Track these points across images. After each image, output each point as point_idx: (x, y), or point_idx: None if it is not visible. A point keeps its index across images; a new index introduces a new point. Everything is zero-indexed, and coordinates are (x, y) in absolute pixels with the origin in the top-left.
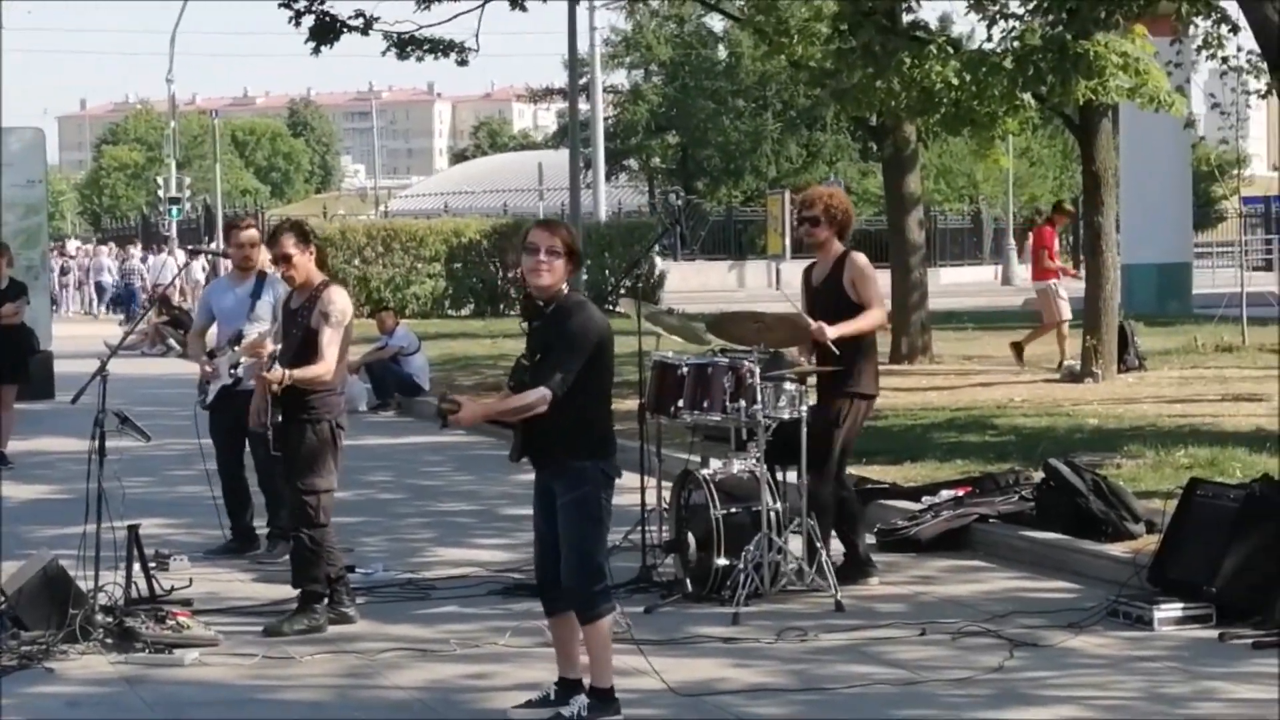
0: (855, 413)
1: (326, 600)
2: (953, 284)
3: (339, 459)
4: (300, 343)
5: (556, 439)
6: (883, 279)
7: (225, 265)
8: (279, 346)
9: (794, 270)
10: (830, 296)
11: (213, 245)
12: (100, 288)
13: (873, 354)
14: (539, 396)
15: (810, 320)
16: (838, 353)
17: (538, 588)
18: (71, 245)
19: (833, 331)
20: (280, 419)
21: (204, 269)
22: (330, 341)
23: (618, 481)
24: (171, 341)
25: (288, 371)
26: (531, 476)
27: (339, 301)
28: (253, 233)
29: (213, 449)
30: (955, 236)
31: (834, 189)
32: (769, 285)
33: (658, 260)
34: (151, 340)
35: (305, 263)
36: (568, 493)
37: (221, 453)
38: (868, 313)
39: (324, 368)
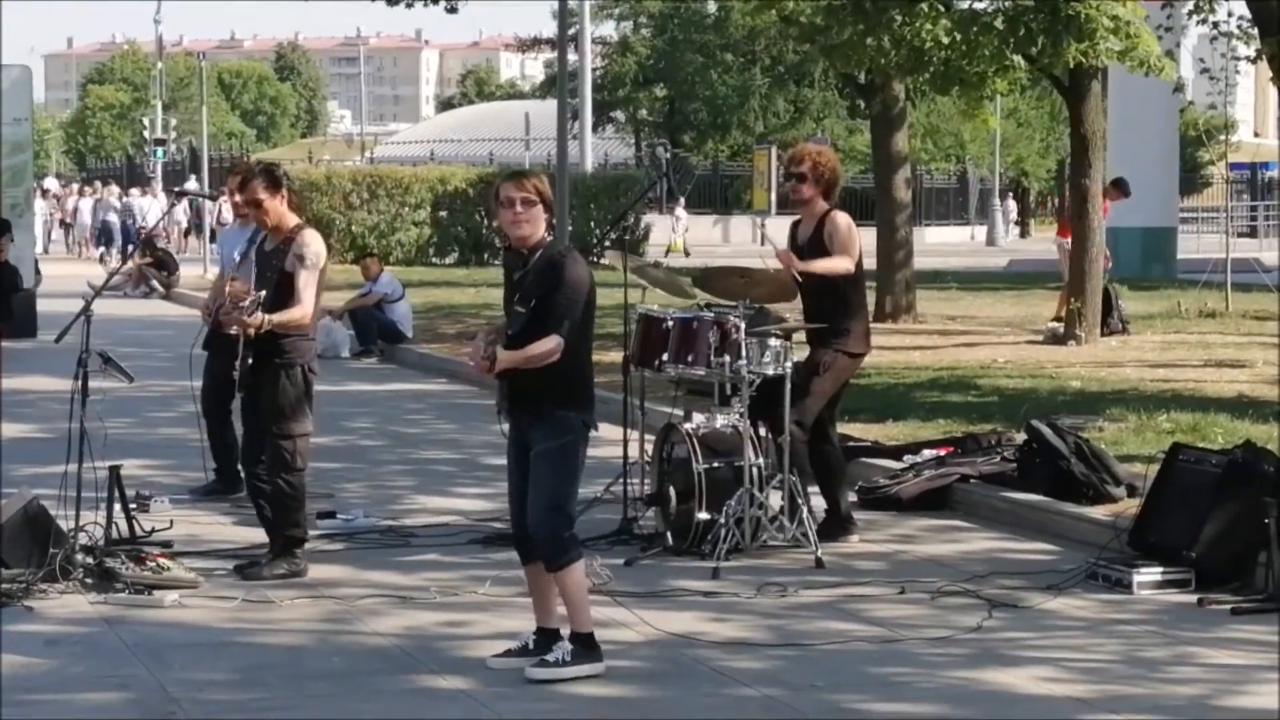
0: (837, 367)
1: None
2: (938, 243)
3: (312, 403)
4: (275, 286)
5: (544, 387)
6: (868, 237)
7: (211, 208)
8: (262, 292)
9: (778, 226)
10: (815, 252)
11: (190, 185)
12: (107, 229)
13: (862, 314)
14: (556, 344)
15: (778, 246)
16: (800, 280)
17: (514, 539)
18: (51, 183)
19: (800, 264)
20: (250, 361)
21: (185, 212)
22: (306, 284)
23: (600, 434)
24: (155, 283)
25: (266, 316)
26: None
27: (313, 244)
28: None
29: (199, 391)
30: (941, 196)
31: (823, 147)
32: (754, 240)
33: (677, 212)
34: (135, 281)
35: (276, 207)
36: (548, 440)
37: (210, 394)
38: (837, 258)
39: (302, 311)
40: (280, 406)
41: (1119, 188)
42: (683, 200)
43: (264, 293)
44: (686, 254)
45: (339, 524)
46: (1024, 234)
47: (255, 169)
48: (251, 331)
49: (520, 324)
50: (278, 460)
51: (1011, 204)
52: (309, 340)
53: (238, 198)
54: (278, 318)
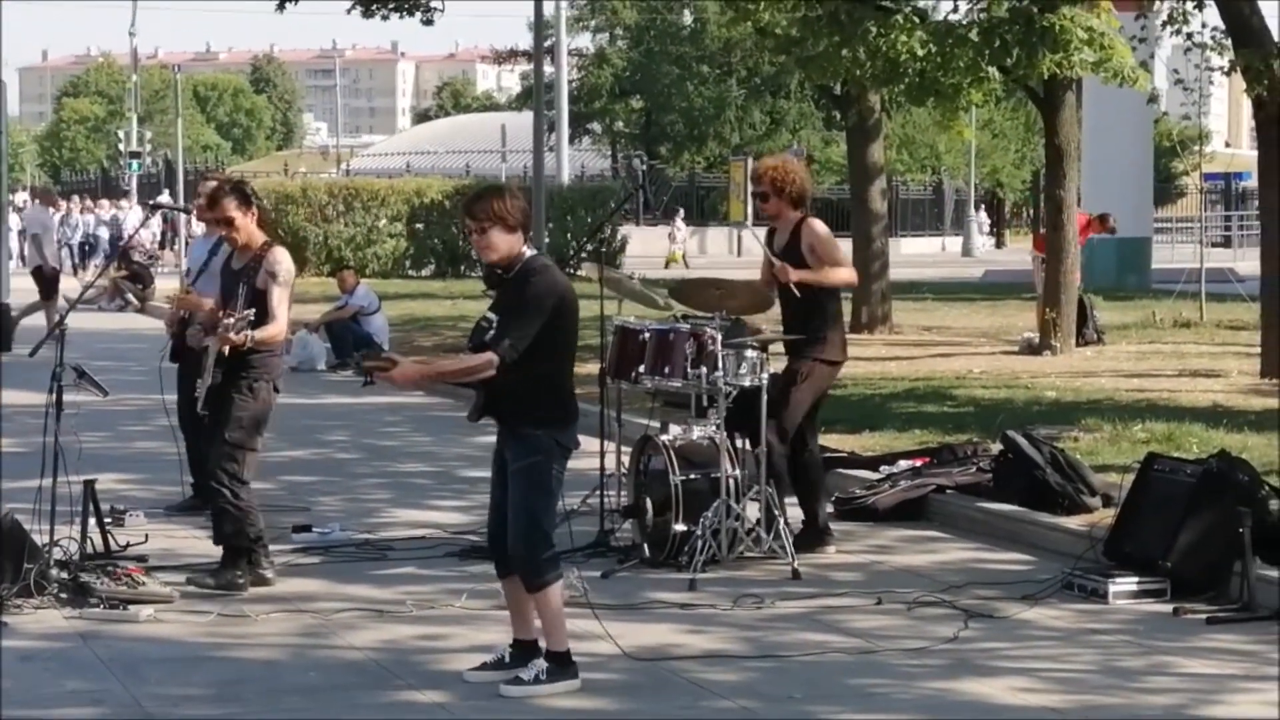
0: (816, 375)
1: (247, 562)
2: (913, 254)
3: (266, 423)
4: (247, 304)
5: (511, 404)
6: (843, 248)
7: (185, 221)
8: (251, 311)
9: (755, 237)
10: (791, 264)
11: (164, 198)
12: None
13: (838, 322)
14: (484, 360)
15: (776, 259)
16: (799, 294)
17: (490, 551)
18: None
19: (795, 274)
20: (219, 381)
21: (157, 225)
22: (280, 301)
23: (573, 451)
24: (130, 296)
25: (250, 333)
26: (491, 438)
27: (285, 261)
28: (209, 184)
29: (173, 405)
30: (916, 207)
31: (783, 159)
32: (730, 252)
33: (677, 223)
34: (110, 295)
35: (247, 224)
36: (517, 460)
37: (186, 408)
38: (838, 269)
39: (278, 328)
40: (240, 418)
41: (1104, 223)
42: (681, 211)
43: (253, 311)
44: (686, 265)
45: (315, 537)
46: (999, 244)
47: (225, 186)
48: (227, 350)
49: (484, 337)
50: (227, 471)
51: (984, 215)
52: (277, 357)
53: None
54: (259, 334)
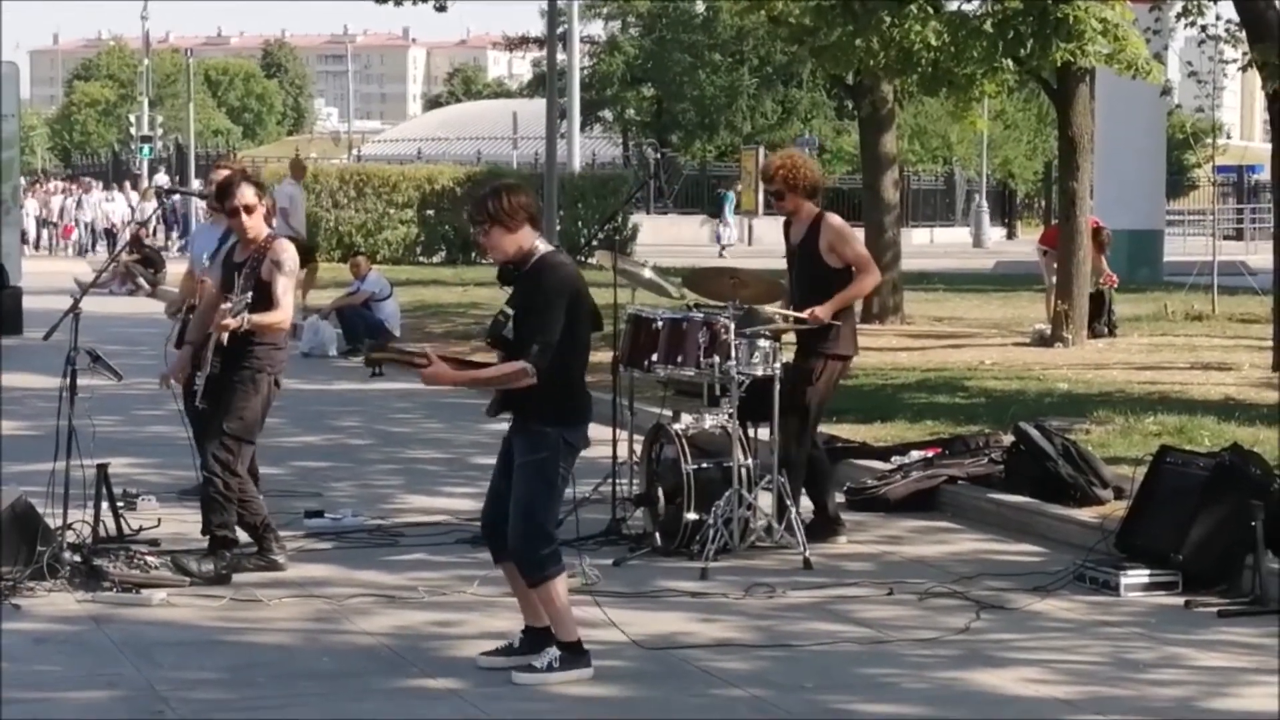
0: (830, 372)
1: (256, 548)
2: (925, 245)
3: (265, 417)
4: (252, 293)
5: (523, 398)
6: (859, 237)
7: (197, 207)
8: (249, 294)
9: (766, 226)
10: (808, 258)
11: (160, 179)
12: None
13: (850, 315)
14: (518, 370)
15: (799, 314)
16: (812, 285)
17: (483, 536)
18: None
19: (826, 312)
20: (217, 370)
21: (155, 210)
22: (285, 290)
23: (589, 435)
24: (141, 280)
25: (247, 316)
26: (503, 426)
27: (290, 252)
28: (223, 173)
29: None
30: (928, 198)
31: (791, 153)
32: (742, 240)
33: (725, 216)
34: (121, 279)
35: (259, 217)
36: (526, 454)
37: (192, 393)
38: (859, 279)
39: (282, 314)
40: (240, 409)
41: (1096, 237)
42: (732, 196)
43: (250, 295)
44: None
45: (327, 523)
46: (1010, 235)
47: (239, 175)
48: (225, 337)
49: (508, 332)
50: (220, 460)
51: (985, 204)
52: (281, 350)
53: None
54: (258, 318)
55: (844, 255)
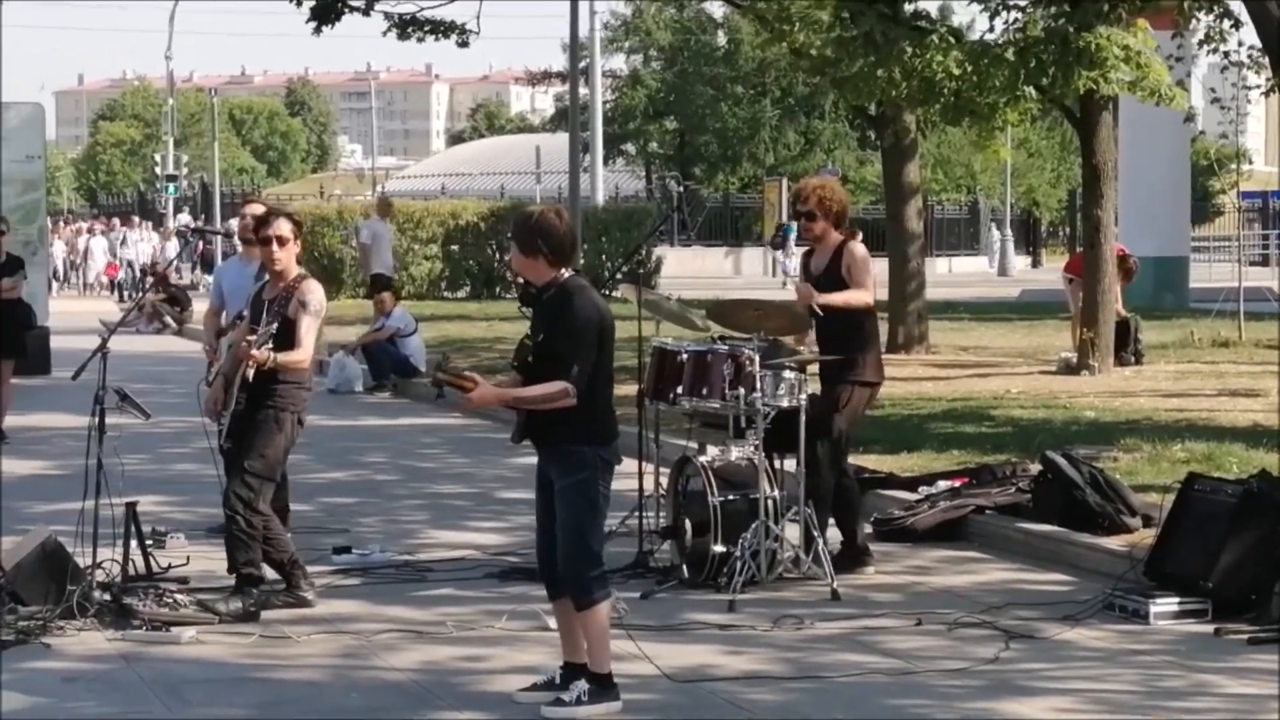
0: (855, 399)
1: (285, 585)
2: (949, 274)
3: (287, 456)
4: (278, 331)
5: (557, 423)
6: (880, 268)
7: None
8: (274, 325)
9: (792, 258)
10: (830, 286)
11: (184, 218)
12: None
13: (874, 343)
14: (560, 389)
15: (803, 285)
16: (821, 314)
17: (540, 575)
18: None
19: (821, 297)
20: (242, 407)
21: (176, 249)
22: (308, 330)
23: (616, 467)
24: (168, 319)
25: (273, 355)
26: (528, 460)
27: (318, 293)
28: (254, 207)
29: (214, 428)
30: (952, 227)
31: (825, 179)
32: (765, 272)
33: (790, 247)
34: (148, 318)
35: (292, 251)
36: (565, 477)
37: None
38: (856, 292)
39: (303, 354)
40: (262, 447)
41: (1123, 264)
42: (794, 228)
43: (275, 325)
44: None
45: (355, 559)
46: (1035, 264)
47: (279, 210)
48: (251, 373)
49: (532, 355)
50: (243, 498)
51: (996, 233)
52: (305, 390)
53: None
54: (281, 357)
55: (853, 277)
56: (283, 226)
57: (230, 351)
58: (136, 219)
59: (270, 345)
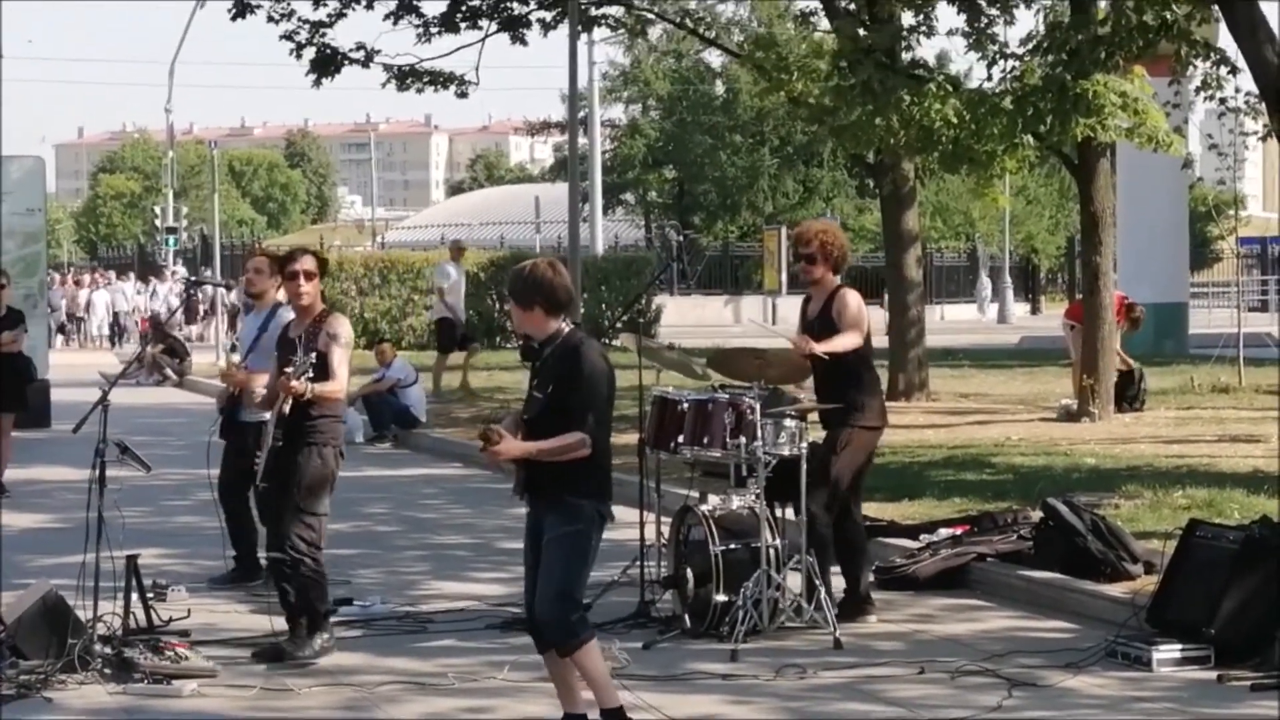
0: (855, 443)
1: (291, 633)
2: (949, 321)
3: (334, 487)
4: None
5: (560, 475)
6: (878, 316)
7: (223, 296)
8: (312, 355)
9: (790, 305)
10: (826, 331)
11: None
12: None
13: (875, 389)
14: (578, 439)
15: (798, 337)
16: (826, 356)
17: (527, 625)
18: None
19: (813, 347)
20: (279, 444)
21: (178, 298)
22: (341, 362)
23: (617, 517)
24: (168, 370)
25: (310, 385)
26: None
27: (346, 326)
28: (259, 260)
29: (216, 479)
30: (951, 274)
31: (828, 224)
32: (765, 320)
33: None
34: (149, 370)
35: (316, 290)
36: (561, 527)
37: (227, 483)
38: (844, 334)
39: (338, 385)
40: (310, 484)
41: (1130, 313)
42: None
43: (314, 356)
44: None
45: (356, 610)
46: (1035, 311)
47: (309, 250)
48: (288, 407)
49: (536, 409)
50: (304, 539)
51: (986, 280)
52: (340, 422)
53: (251, 275)
54: (318, 388)
55: (841, 321)
56: (308, 262)
57: (267, 394)
58: (171, 270)
59: (310, 375)
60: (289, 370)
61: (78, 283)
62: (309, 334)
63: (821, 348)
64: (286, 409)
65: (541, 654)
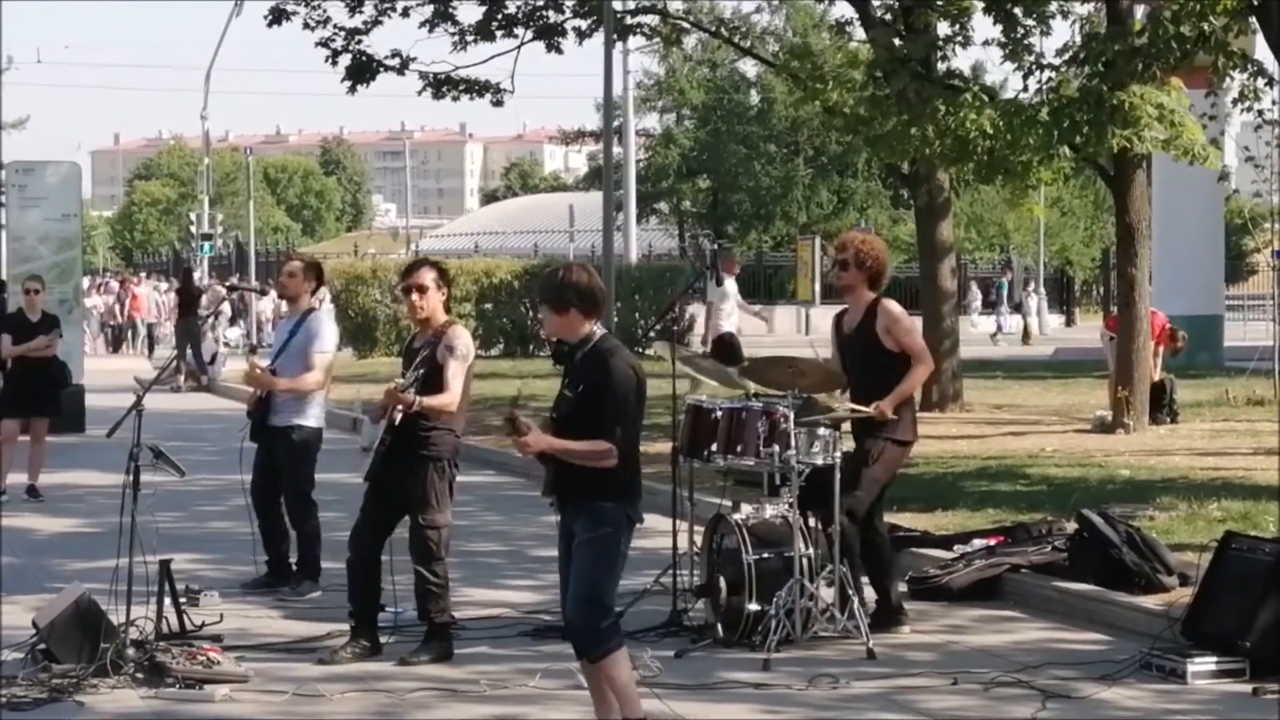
0: (887, 456)
1: (351, 637)
2: (983, 332)
3: (452, 496)
4: (425, 376)
5: (587, 479)
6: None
7: (253, 299)
8: (421, 370)
9: (823, 315)
10: (862, 345)
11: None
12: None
13: (909, 401)
14: (606, 448)
15: (865, 408)
16: (868, 373)
17: (565, 632)
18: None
19: (889, 405)
20: (385, 447)
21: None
22: (455, 374)
23: (649, 525)
24: (202, 377)
25: (419, 398)
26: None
27: (465, 338)
28: (294, 264)
29: (248, 484)
30: (986, 285)
31: (868, 235)
32: (798, 330)
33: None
34: (184, 375)
35: (436, 300)
36: (588, 530)
37: (259, 486)
38: (914, 369)
39: (450, 398)
40: (428, 497)
41: (1173, 338)
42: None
43: (422, 371)
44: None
45: (388, 617)
46: (1069, 323)
47: (428, 261)
48: (399, 416)
49: (566, 409)
50: (424, 550)
51: (977, 292)
52: (454, 435)
53: (284, 279)
54: (429, 401)
55: (900, 341)
56: (424, 276)
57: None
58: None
59: (415, 389)
60: (400, 381)
61: (123, 283)
62: (429, 345)
63: (891, 402)
64: (397, 418)
65: (579, 660)
